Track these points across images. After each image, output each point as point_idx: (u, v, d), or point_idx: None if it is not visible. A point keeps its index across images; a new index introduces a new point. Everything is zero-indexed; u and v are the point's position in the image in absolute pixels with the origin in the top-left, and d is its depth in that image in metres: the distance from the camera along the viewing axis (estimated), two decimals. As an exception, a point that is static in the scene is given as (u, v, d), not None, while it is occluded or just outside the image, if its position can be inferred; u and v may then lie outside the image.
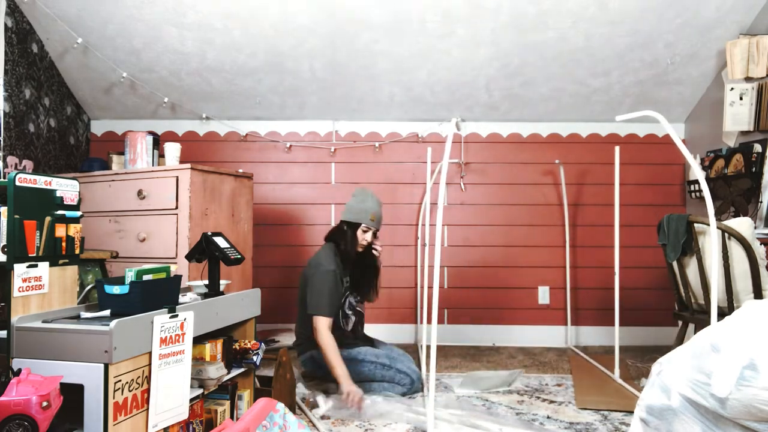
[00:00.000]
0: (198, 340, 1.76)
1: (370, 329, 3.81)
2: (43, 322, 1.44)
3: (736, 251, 2.35)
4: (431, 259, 3.62)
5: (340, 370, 2.41)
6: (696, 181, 3.48)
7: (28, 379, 1.24)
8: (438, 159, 3.57)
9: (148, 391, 1.44)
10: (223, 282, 1.99)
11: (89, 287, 2.18)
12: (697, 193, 3.47)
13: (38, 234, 1.49)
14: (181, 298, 1.82)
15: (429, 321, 2.53)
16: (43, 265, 1.50)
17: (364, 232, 2.69)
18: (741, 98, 3.14)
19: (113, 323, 1.32)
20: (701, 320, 2.49)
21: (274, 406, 1.57)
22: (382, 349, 2.70)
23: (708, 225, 2.25)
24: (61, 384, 1.32)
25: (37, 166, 3.23)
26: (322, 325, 2.48)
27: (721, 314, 2.34)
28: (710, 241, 2.12)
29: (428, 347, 2.54)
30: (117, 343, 1.32)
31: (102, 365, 1.31)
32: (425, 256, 2.62)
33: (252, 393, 2.06)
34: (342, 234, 2.70)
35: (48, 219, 1.52)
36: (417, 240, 3.84)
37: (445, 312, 3.84)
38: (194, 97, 3.71)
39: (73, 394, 1.35)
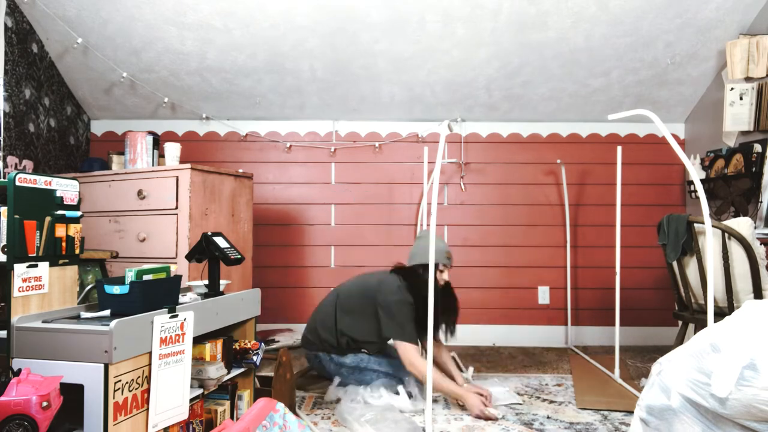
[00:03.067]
0: (198, 340, 1.76)
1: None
2: (43, 322, 1.44)
3: (736, 251, 2.35)
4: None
5: (453, 387, 2.37)
6: (696, 181, 3.48)
7: (28, 379, 1.24)
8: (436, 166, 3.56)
9: (148, 391, 1.44)
10: (223, 282, 2.00)
11: (89, 287, 2.18)
12: (697, 193, 3.47)
13: (38, 234, 1.49)
14: (181, 298, 1.82)
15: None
16: (43, 265, 1.50)
17: (441, 272, 2.59)
18: (741, 98, 3.14)
19: (113, 323, 1.32)
20: (701, 320, 2.49)
21: (274, 406, 1.57)
22: (386, 356, 2.66)
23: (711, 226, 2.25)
24: (61, 384, 1.32)
25: (37, 166, 3.23)
26: (413, 352, 2.41)
27: (721, 314, 2.34)
28: (711, 241, 2.12)
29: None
30: (117, 343, 1.32)
31: (102, 365, 1.31)
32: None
33: (252, 393, 2.06)
34: (418, 276, 2.57)
35: (48, 219, 1.52)
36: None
37: (445, 312, 3.83)
38: (194, 97, 3.71)
39: (73, 394, 1.35)
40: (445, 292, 2.62)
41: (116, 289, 1.51)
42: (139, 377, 1.41)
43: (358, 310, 2.62)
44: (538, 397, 2.57)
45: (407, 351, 2.42)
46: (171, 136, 3.86)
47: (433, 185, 3.64)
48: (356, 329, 2.61)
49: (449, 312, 2.62)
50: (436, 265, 2.55)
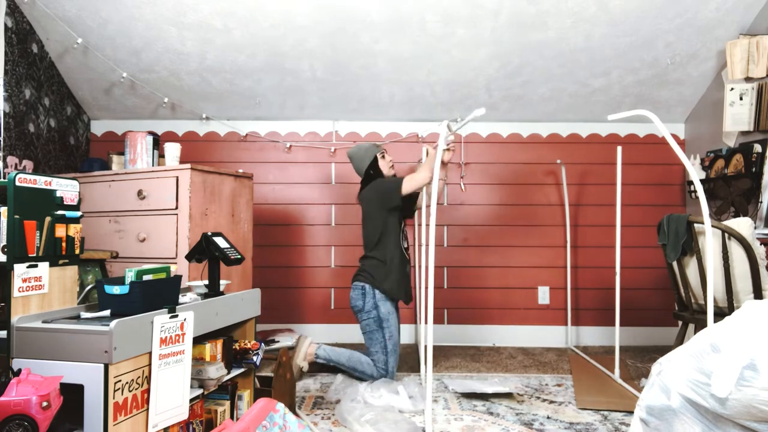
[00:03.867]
0: (198, 340, 1.76)
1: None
2: (43, 322, 1.44)
3: (736, 251, 2.35)
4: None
5: (426, 167, 2.74)
6: (696, 181, 3.48)
7: (28, 379, 1.24)
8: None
9: (148, 391, 1.44)
10: (223, 282, 2.00)
11: (89, 287, 2.18)
12: (697, 193, 3.47)
13: (38, 234, 1.49)
14: (181, 298, 1.82)
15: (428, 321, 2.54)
16: (43, 265, 1.50)
17: (383, 157, 3.02)
18: (741, 98, 3.14)
19: (113, 323, 1.32)
20: (701, 320, 2.49)
21: (274, 406, 1.57)
22: (396, 333, 2.84)
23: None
24: (61, 384, 1.32)
25: (37, 166, 3.23)
26: (407, 181, 2.79)
27: (721, 314, 2.34)
28: (711, 241, 2.12)
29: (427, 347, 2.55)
30: (117, 343, 1.32)
31: (102, 365, 1.31)
32: (422, 256, 2.63)
33: (252, 393, 2.06)
34: (373, 177, 2.97)
35: (48, 219, 1.52)
36: (415, 240, 3.84)
37: (445, 312, 3.84)
38: (194, 97, 3.71)
39: (73, 394, 1.35)
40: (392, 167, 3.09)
41: (116, 289, 1.51)
42: (139, 377, 1.41)
43: (365, 228, 2.96)
44: (538, 397, 2.57)
45: (404, 186, 2.78)
46: (171, 137, 3.86)
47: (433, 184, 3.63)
48: (366, 230, 2.94)
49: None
50: (375, 157, 2.99)
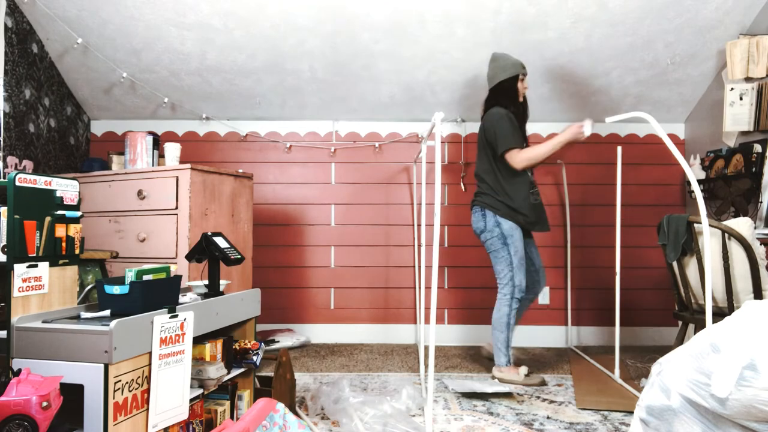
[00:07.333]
0: (198, 340, 1.76)
1: (370, 329, 3.82)
2: (43, 322, 1.44)
3: (736, 251, 2.35)
4: (428, 260, 3.61)
5: (557, 139, 2.70)
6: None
7: (28, 379, 1.24)
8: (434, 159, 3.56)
9: (148, 391, 1.44)
10: (223, 282, 2.00)
11: (89, 287, 2.18)
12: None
13: (38, 234, 1.49)
14: (181, 298, 1.82)
15: (428, 321, 2.55)
16: (43, 265, 1.50)
17: (521, 81, 2.89)
18: (741, 98, 3.14)
19: (113, 323, 1.32)
20: (701, 320, 2.49)
21: (274, 406, 1.57)
22: (521, 249, 2.80)
23: (708, 225, 2.25)
24: (61, 384, 1.32)
25: (37, 166, 3.23)
26: (510, 156, 2.73)
27: (721, 314, 2.35)
28: (709, 241, 2.12)
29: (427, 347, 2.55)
30: (117, 343, 1.32)
31: (102, 365, 1.31)
32: (422, 256, 2.63)
33: (252, 393, 2.06)
34: (503, 93, 2.86)
35: (48, 219, 1.52)
36: (415, 240, 3.84)
37: (445, 312, 3.84)
38: (194, 97, 3.71)
39: (73, 394, 1.35)
40: (525, 99, 2.96)
41: (116, 289, 1.51)
42: (139, 377, 1.41)
43: (483, 152, 2.91)
44: (538, 397, 2.57)
45: (515, 156, 2.73)
46: (171, 137, 3.86)
47: (432, 185, 3.64)
48: (480, 167, 2.91)
49: (527, 114, 3.00)
50: (516, 76, 2.86)
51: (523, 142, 2.89)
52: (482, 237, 2.86)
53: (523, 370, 2.76)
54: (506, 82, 2.85)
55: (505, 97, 2.86)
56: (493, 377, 2.82)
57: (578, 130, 2.66)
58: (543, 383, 2.73)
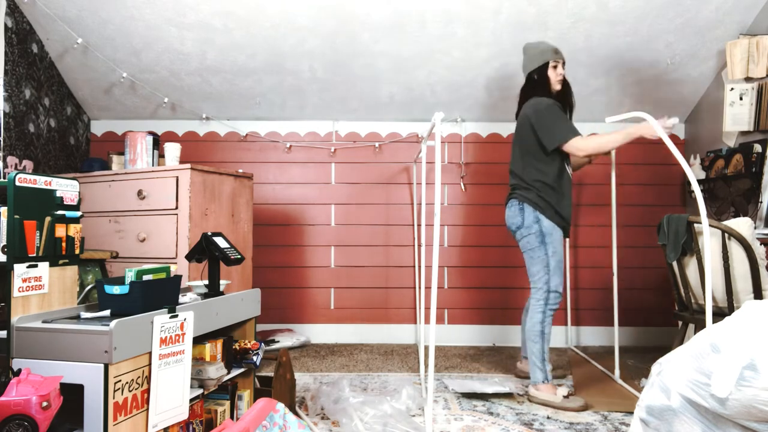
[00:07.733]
0: (198, 340, 1.76)
1: (369, 330, 3.82)
2: (43, 322, 1.44)
3: (736, 251, 2.35)
4: (428, 260, 3.61)
5: (622, 135, 2.42)
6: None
7: (28, 379, 1.24)
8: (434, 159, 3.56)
9: (148, 391, 1.44)
10: (223, 282, 2.00)
11: (89, 287, 2.18)
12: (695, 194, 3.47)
13: (38, 234, 1.49)
14: (181, 298, 1.82)
15: (428, 321, 2.53)
16: (43, 265, 1.50)
17: (555, 68, 2.67)
18: (741, 98, 3.14)
19: (113, 323, 1.32)
20: (701, 320, 2.49)
21: (274, 406, 1.57)
22: (560, 250, 2.56)
23: (708, 225, 2.25)
24: (61, 384, 1.32)
25: (37, 166, 3.23)
26: (576, 143, 2.47)
27: (721, 314, 2.34)
28: (710, 241, 2.12)
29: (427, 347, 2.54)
30: (117, 343, 1.32)
31: (102, 365, 1.31)
32: (422, 256, 2.63)
33: (252, 393, 2.06)
34: (536, 84, 2.68)
35: (48, 219, 1.52)
36: (415, 240, 3.84)
37: (445, 312, 3.83)
38: (194, 97, 3.71)
39: (73, 394, 1.35)
40: (566, 86, 2.73)
41: (116, 289, 1.51)
42: (139, 377, 1.41)
43: (524, 147, 2.64)
44: (538, 397, 2.57)
45: (578, 144, 2.47)
46: (171, 137, 3.86)
47: (432, 185, 3.64)
48: (519, 162, 2.65)
49: (571, 101, 2.77)
50: (547, 63, 2.66)
51: None
52: (518, 234, 2.61)
53: (562, 390, 2.46)
54: (536, 72, 2.69)
55: (539, 88, 2.67)
56: (529, 397, 2.52)
57: (664, 124, 2.35)
58: (584, 408, 2.39)
